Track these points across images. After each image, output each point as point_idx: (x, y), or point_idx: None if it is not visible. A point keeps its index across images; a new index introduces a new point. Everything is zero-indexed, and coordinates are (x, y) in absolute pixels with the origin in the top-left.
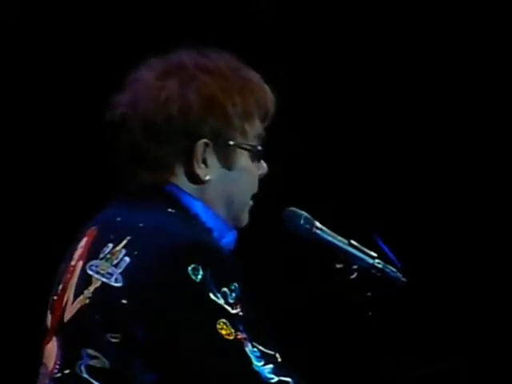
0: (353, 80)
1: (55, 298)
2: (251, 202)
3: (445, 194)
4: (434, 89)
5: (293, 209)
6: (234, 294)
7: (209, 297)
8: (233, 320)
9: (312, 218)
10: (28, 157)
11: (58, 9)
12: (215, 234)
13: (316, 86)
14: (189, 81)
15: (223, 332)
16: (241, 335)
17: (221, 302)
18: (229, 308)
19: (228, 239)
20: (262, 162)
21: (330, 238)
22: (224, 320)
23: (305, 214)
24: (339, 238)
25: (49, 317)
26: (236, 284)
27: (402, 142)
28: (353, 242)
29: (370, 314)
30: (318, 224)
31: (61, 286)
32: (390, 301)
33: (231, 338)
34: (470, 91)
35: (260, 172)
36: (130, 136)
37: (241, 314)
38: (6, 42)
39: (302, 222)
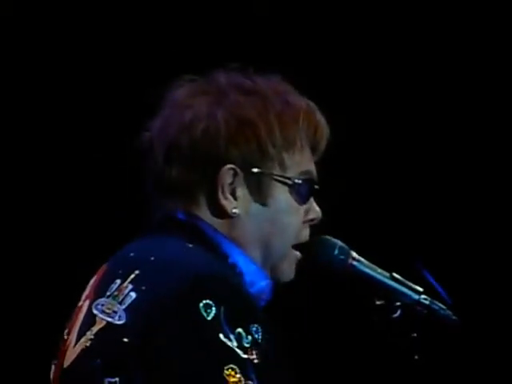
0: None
1: (61, 346)
2: (297, 253)
3: (500, 227)
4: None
5: (326, 237)
6: (250, 338)
7: (218, 338)
8: (244, 366)
9: (348, 248)
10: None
11: (58, 9)
12: (246, 279)
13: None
14: (219, 99)
15: (231, 379)
16: None
17: (232, 344)
18: (240, 352)
19: (260, 287)
20: (315, 205)
21: (368, 271)
22: (233, 366)
23: (339, 242)
24: (379, 270)
25: (52, 368)
26: (256, 326)
27: (449, 175)
28: (395, 275)
29: (416, 357)
30: (354, 254)
31: (66, 331)
32: (438, 342)
33: None
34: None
35: (310, 217)
36: (154, 162)
37: (256, 360)
38: (4, 42)
39: (336, 251)
